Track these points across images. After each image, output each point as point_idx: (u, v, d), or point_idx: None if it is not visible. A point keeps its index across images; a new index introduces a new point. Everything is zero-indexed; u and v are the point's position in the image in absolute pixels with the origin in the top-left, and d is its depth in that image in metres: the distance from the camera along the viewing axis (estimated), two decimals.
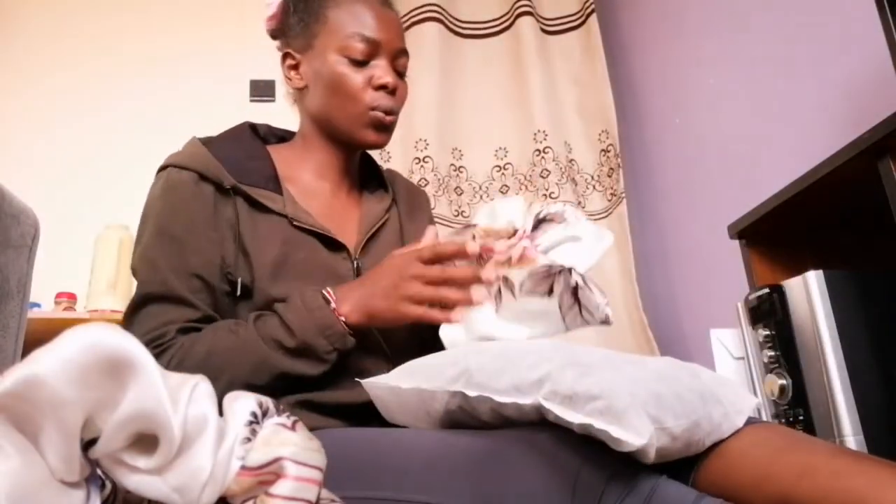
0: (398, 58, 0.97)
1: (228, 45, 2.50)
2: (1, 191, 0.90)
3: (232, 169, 0.90)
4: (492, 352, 0.71)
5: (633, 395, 0.58)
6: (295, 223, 0.91)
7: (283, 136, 1.07)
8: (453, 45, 2.26)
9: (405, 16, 2.25)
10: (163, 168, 0.92)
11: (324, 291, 0.83)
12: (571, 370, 0.62)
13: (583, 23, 2.31)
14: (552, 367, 0.63)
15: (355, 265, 0.94)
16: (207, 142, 0.94)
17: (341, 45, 0.94)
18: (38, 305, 2.07)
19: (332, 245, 0.93)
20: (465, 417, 0.72)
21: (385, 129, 0.96)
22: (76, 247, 2.15)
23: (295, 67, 1.00)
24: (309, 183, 0.99)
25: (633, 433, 0.56)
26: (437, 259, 0.81)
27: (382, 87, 0.94)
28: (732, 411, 0.65)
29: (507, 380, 0.65)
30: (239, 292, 0.86)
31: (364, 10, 0.95)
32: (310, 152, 1.00)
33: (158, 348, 0.81)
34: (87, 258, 2.11)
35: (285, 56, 1.00)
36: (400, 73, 0.99)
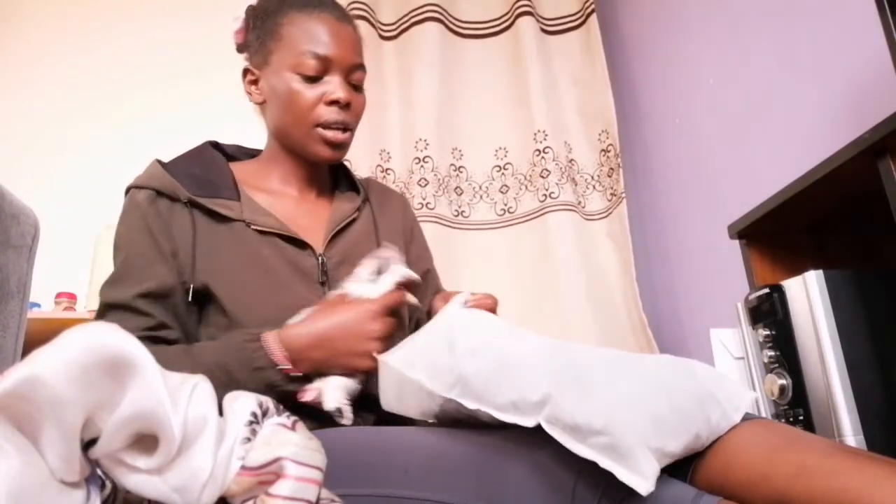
0: (352, 72, 0.99)
1: (228, 46, 2.49)
2: (1, 191, 0.90)
3: (188, 184, 0.93)
4: (488, 355, 0.69)
5: (635, 430, 0.58)
6: (253, 227, 0.93)
7: (253, 154, 1.09)
8: (453, 45, 2.26)
9: (405, 16, 2.25)
10: (127, 191, 0.96)
11: (263, 343, 0.83)
12: (571, 391, 0.61)
13: (583, 23, 2.30)
14: (552, 386, 0.62)
15: (320, 261, 0.95)
16: (167, 162, 0.97)
17: (294, 62, 0.96)
18: (38, 305, 2.07)
19: (296, 243, 0.95)
20: (462, 417, 0.72)
21: (336, 146, 0.98)
22: (76, 247, 2.15)
23: (255, 83, 1.02)
24: (275, 191, 1.01)
25: (640, 477, 0.56)
26: (387, 312, 0.87)
27: (334, 103, 0.96)
28: (730, 409, 0.66)
29: (507, 396, 0.64)
30: (199, 298, 0.90)
31: (317, 27, 0.97)
32: (275, 163, 1.03)
33: None
34: (87, 258, 2.11)
35: (245, 72, 1.03)
36: (356, 87, 1.00)
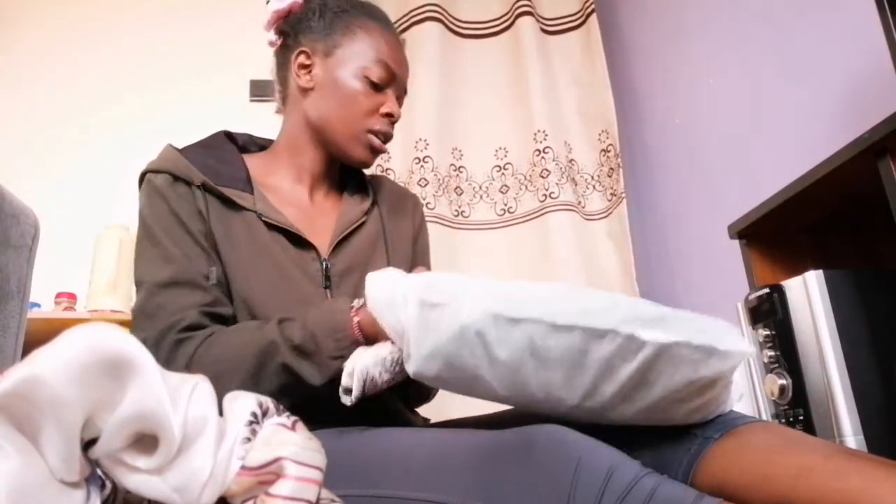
0: (403, 94, 1.05)
1: (228, 45, 2.50)
2: (1, 191, 0.90)
3: (203, 171, 0.93)
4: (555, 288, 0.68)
5: (716, 321, 0.63)
6: (264, 219, 0.92)
7: (264, 145, 1.09)
8: (453, 45, 2.26)
9: (405, 16, 2.25)
10: (142, 177, 0.94)
11: (356, 300, 0.82)
12: (644, 303, 0.65)
13: (583, 23, 2.31)
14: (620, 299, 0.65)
15: (324, 265, 0.95)
16: (181, 149, 0.97)
17: (365, 65, 0.98)
18: (38, 305, 2.07)
19: (301, 244, 0.94)
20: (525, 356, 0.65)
21: (376, 152, 1.02)
22: (76, 247, 2.14)
23: (306, 67, 1.00)
24: (285, 188, 1.01)
25: (739, 343, 0.61)
26: None
27: (389, 116, 1.01)
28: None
29: (573, 304, 0.63)
30: (224, 285, 0.89)
31: (392, 41, 1.02)
32: (291, 155, 1.02)
33: (186, 332, 0.83)
34: (87, 258, 2.11)
35: (299, 53, 1.01)
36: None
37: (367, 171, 1.12)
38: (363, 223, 1.02)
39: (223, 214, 0.91)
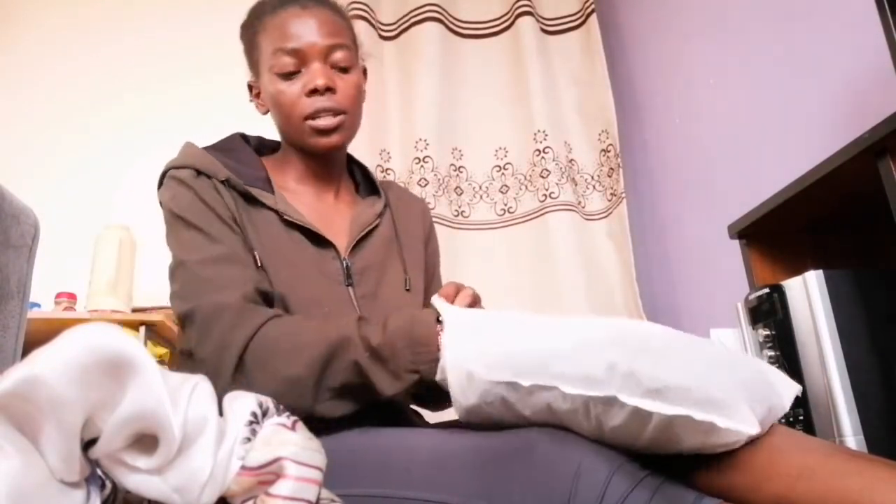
0: (330, 54, 0.96)
1: (228, 46, 2.49)
2: (1, 191, 0.90)
3: (226, 168, 0.93)
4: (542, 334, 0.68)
5: (726, 386, 0.59)
6: (285, 217, 0.92)
7: (274, 147, 1.09)
8: (453, 45, 2.26)
9: (405, 16, 2.25)
10: (164, 174, 0.94)
11: (441, 315, 0.78)
12: (644, 358, 0.61)
13: (583, 23, 2.30)
14: (620, 355, 0.62)
15: (344, 265, 0.95)
16: (200, 148, 0.97)
17: (270, 64, 0.96)
18: (38, 305, 2.07)
19: (321, 243, 0.94)
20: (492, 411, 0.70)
21: (326, 132, 0.95)
22: (76, 247, 2.14)
23: (258, 95, 1.03)
24: (295, 189, 1.01)
25: (743, 423, 0.58)
26: None
27: (313, 92, 0.94)
28: (783, 395, 0.66)
29: (575, 370, 0.63)
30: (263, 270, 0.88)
31: (283, 23, 0.96)
32: (290, 163, 1.03)
33: (249, 303, 0.81)
34: (87, 258, 2.11)
35: (249, 87, 1.05)
36: (342, 69, 0.98)
37: (377, 177, 1.12)
38: (377, 225, 1.03)
39: (246, 209, 0.91)
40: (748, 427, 0.58)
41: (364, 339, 0.77)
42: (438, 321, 0.77)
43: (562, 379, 0.64)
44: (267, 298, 0.85)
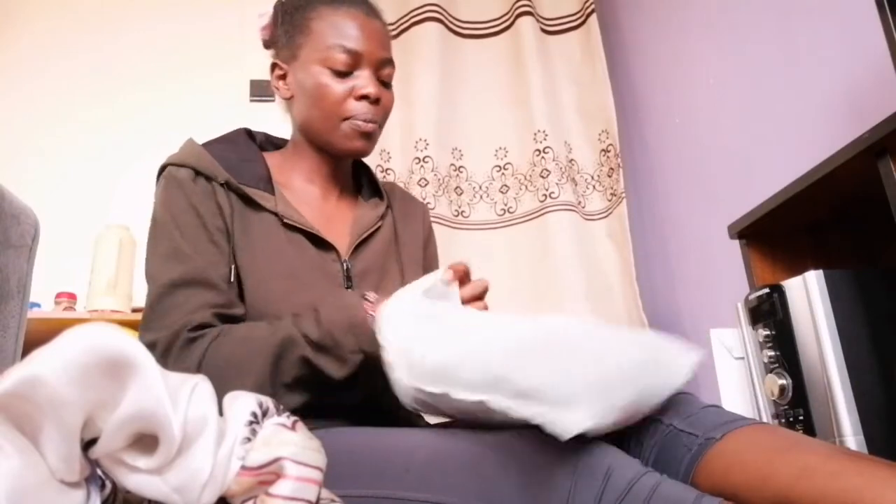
0: (382, 68, 0.98)
1: (228, 45, 2.50)
2: (1, 191, 0.90)
3: (226, 168, 0.92)
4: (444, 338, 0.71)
5: (571, 388, 0.62)
6: (285, 220, 0.92)
7: (279, 144, 1.08)
8: (453, 45, 2.26)
9: (405, 16, 2.25)
10: (162, 169, 0.94)
11: (366, 293, 0.82)
12: (515, 361, 0.64)
13: (583, 23, 2.30)
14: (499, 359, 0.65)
15: (345, 267, 0.95)
16: (204, 144, 0.97)
17: (323, 56, 0.95)
18: (38, 305, 2.06)
19: (322, 245, 0.94)
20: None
21: (364, 136, 0.97)
22: (76, 247, 2.14)
23: (283, 77, 1.01)
24: (299, 188, 1.01)
25: (563, 425, 0.59)
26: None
27: (364, 98, 0.95)
28: (673, 373, 0.71)
29: (462, 376, 0.66)
30: (235, 286, 0.88)
31: (347, 21, 0.96)
32: (300, 159, 1.02)
33: (197, 331, 0.82)
34: (87, 258, 2.11)
35: (273, 66, 1.02)
36: (385, 83, 1.00)
37: (378, 178, 1.12)
38: (379, 227, 1.03)
39: (243, 213, 0.91)
40: (564, 430, 0.59)
41: (304, 335, 0.79)
42: (365, 298, 0.81)
43: (454, 386, 0.66)
44: (229, 318, 0.86)
